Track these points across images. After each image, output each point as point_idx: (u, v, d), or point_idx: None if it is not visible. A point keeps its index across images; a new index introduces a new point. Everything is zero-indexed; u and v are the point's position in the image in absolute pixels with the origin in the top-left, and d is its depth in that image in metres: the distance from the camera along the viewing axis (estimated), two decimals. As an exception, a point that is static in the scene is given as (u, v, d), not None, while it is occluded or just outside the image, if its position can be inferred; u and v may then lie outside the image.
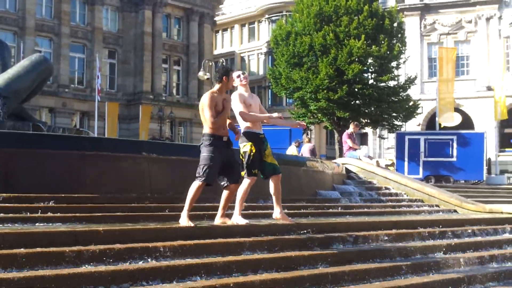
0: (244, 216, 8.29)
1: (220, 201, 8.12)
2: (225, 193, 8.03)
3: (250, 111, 8.27)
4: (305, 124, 8.95)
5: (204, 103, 7.84)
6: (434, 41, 48.87)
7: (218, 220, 8.08)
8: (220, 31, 67.66)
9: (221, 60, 41.22)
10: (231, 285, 6.06)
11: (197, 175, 7.70)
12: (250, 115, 8.22)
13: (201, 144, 7.89)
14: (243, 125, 8.28)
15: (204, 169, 7.65)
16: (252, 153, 8.12)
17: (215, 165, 7.70)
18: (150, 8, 51.81)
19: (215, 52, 62.85)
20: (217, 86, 8.01)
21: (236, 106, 8.22)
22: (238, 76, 8.37)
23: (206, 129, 7.86)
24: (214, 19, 59.21)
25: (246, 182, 8.20)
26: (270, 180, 8.36)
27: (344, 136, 19.65)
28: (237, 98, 8.25)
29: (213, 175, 7.72)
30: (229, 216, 8.22)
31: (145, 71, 50.96)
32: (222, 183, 7.98)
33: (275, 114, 8.43)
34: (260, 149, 8.21)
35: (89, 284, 5.47)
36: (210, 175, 7.67)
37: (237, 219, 8.08)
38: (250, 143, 8.15)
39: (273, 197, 8.44)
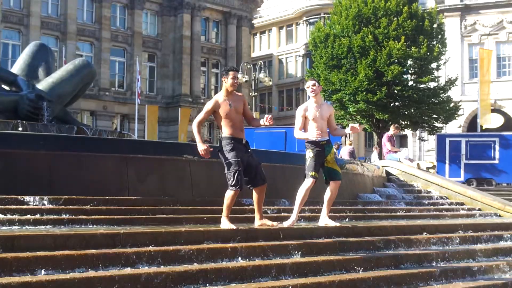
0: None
1: (254, 204, 8.14)
2: (255, 196, 8.02)
3: (312, 125, 8.46)
4: (357, 128, 8.94)
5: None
6: (475, 42, 48.11)
7: (257, 223, 8.10)
8: (258, 34, 67.81)
9: (259, 63, 41.26)
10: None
11: (229, 182, 7.65)
12: (297, 133, 8.56)
13: (221, 148, 7.82)
14: (300, 133, 8.56)
15: (235, 177, 7.59)
16: (309, 157, 8.36)
17: (241, 169, 7.68)
18: (188, 12, 52.22)
19: (253, 55, 63.00)
20: (222, 88, 8.06)
21: (296, 121, 8.55)
22: (308, 87, 8.62)
23: (225, 132, 7.83)
24: (252, 22, 59.34)
25: (305, 185, 8.39)
26: (329, 185, 8.58)
27: (384, 138, 19.52)
28: (298, 111, 8.57)
29: (242, 179, 7.71)
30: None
31: (183, 74, 51.37)
32: (249, 186, 7.98)
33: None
34: (320, 154, 8.38)
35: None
36: (240, 181, 7.64)
37: (292, 221, 8.33)
38: (310, 149, 8.39)
39: (325, 202, 8.66)
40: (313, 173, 8.30)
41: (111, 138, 14.91)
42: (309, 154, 8.37)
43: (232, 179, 7.60)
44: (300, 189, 8.38)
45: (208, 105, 7.88)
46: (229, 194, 7.69)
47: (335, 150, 9.09)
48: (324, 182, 8.58)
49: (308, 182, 8.32)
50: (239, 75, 36.47)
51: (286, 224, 8.21)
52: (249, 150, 7.95)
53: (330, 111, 8.77)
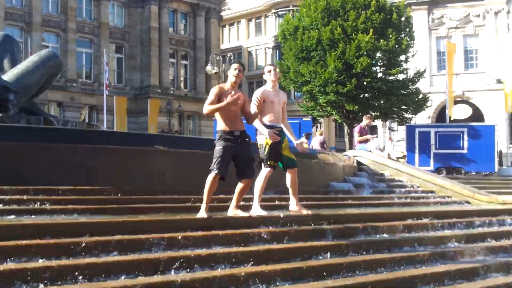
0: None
1: (235, 193, 8.11)
2: (238, 186, 8.03)
3: (272, 108, 8.30)
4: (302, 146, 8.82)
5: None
6: (443, 35, 48.68)
7: (231, 212, 8.06)
8: (227, 26, 67.62)
9: (228, 55, 41.18)
10: (242, 274, 6.06)
11: (210, 167, 7.74)
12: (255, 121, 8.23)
13: (215, 139, 7.93)
14: (256, 121, 8.27)
15: (215, 162, 7.70)
16: (267, 145, 8.16)
17: (226, 158, 7.72)
18: (156, 4, 51.81)
19: (222, 47, 62.81)
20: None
21: (252, 104, 8.24)
22: (269, 71, 8.49)
23: (218, 125, 7.90)
24: (221, 14, 59.14)
25: (262, 173, 8.25)
26: (287, 173, 8.44)
27: (356, 129, 19.59)
28: (256, 95, 8.27)
29: (224, 167, 7.73)
30: (245, 208, 8.22)
31: (152, 66, 51.00)
32: (237, 177, 7.98)
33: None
34: (277, 142, 8.20)
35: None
36: (221, 167, 7.68)
37: (256, 211, 8.12)
38: (265, 136, 8.16)
39: (290, 189, 8.54)
40: (271, 162, 8.23)
41: (81, 129, 14.73)
42: (266, 141, 8.16)
43: (213, 162, 7.71)
44: (258, 178, 8.24)
45: (211, 91, 7.91)
46: (209, 179, 7.73)
47: (303, 139, 8.94)
48: (283, 169, 8.45)
49: (265, 171, 8.24)
50: (209, 67, 36.39)
51: (244, 214, 8.09)
52: (246, 140, 7.90)
53: (285, 98, 8.67)
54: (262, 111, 8.29)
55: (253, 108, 8.20)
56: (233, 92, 7.82)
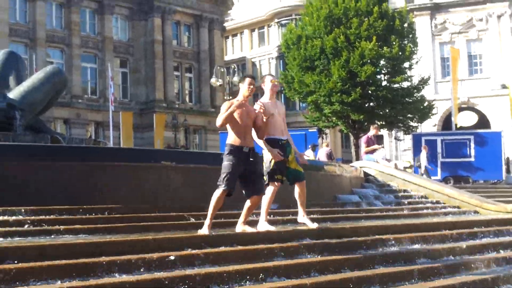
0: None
1: (243, 210, 8.08)
2: (247, 203, 8.00)
3: (274, 121, 8.17)
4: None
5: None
6: (446, 40, 48.57)
7: (239, 228, 8.03)
8: (230, 37, 67.77)
9: (232, 66, 41.19)
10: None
11: (218, 183, 7.69)
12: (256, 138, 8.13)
13: (223, 153, 7.88)
14: (259, 140, 8.18)
15: (224, 177, 7.64)
16: (272, 160, 8.10)
17: (235, 173, 7.67)
18: (159, 16, 51.95)
19: (226, 58, 62.92)
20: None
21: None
22: (271, 81, 8.40)
23: (228, 139, 7.85)
24: (224, 24, 59.26)
25: (270, 189, 8.19)
26: (295, 186, 8.40)
27: (363, 139, 19.51)
28: (257, 107, 8.17)
29: (233, 182, 7.68)
30: (252, 224, 8.18)
31: (157, 79, 51.08)
32: (244, 194, 7.94)
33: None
34: (283, 155, 8.15)
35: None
36: (230, 183, 7.64)
37: (263, 226, 8.08)
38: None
39: (298, 201, 8.50)
40: (278, 177, 8.16)
41: (87, 146, 14.74)
42: (270, 156, 8.10)
43: (221, 177, 7.66)
44: (265, 194, 8.13)
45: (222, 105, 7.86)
46: (216, 194, 7.69)
47: (297, 150, 8.81)
48: (290, 184, 8.41)
49: (272, 187, 8.17)
50: (213, 79, 36.41)
51: (252, 229, 8.05)
52: (251, 159, 7.82)
53: (284, 109, 8.65)
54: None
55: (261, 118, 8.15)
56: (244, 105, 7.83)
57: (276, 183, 8.18)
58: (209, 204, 7.74)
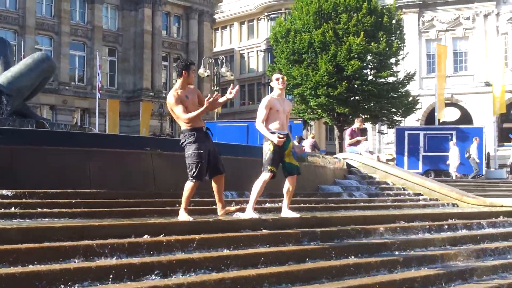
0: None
1: (214, 194, 8.17)
2: (214, 186, 8.07)
3: (277, 117, 8.41)
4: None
5: (169, 103, 7.80)
6: (433, 37, 48.94)
7: (220, 212, 8.17)
8: (219, 29, 67.72)
9: (221, 58, 41.31)
10: (228, 279, 6.10)
11: (189, 173, 7.68)
12: (260, 126, 8.38)
13: (184, 141, 7.79)
14: (262, 128, 8.38)
15: (196, 168, 7.62)
16: (269, 151, 8.28)
17: (204, 161, 7.69)
18: (149, 6, 51.88)
19: (215, 50, 62.93)
20: (178, 82, 7.94)
21: (259, 111, 8.41)
22: (277, 79, 8.54)
23: (184, 125, 7.80)
24: (213, 17, 59.25)
25: (262, 178, 8.33)
26: (287, 179, 8.54)
27: (347, 131, 19.70)
28: (264, 103, 8.41)
29: (204, 171, 7.73)
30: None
31: (145, 68, 51.07)
32: (208, 177, 7.98)
33: None
34: (281, 149, 8.34)
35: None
36: (202, 173, 7.68)
37: (249, 214, 8.19)
38: (270, 141, 8.28)
39: (285, 195, 8.63)
40: (271, 168, 8.29)
41: (73, 132, 14.81)
42: (268, 147, 8.28)
43: (194, 170, 7.63)
44: (256, 182, 8.34)
45: (173, 100, 7.74)
46: (189, 185, 7.73)
47: (295, 143, 9.06)
48: (284, 176, 8.56)
49: (265, 176, 8.30)
50: (201, 70, 36.48)
51: (235, 208, 8.21)
52: (210, 139, 7.95)
53: (290, 106, 8.82)
54: (268, 119, 8.40)
55: (260, 116, 8.35)
56: (186, 92, 7.91)
57: (269, 173, 8.32)
58: (183, 193, 7.78)
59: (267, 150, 8.29)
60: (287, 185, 8.53)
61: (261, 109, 8.40)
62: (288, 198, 8.62)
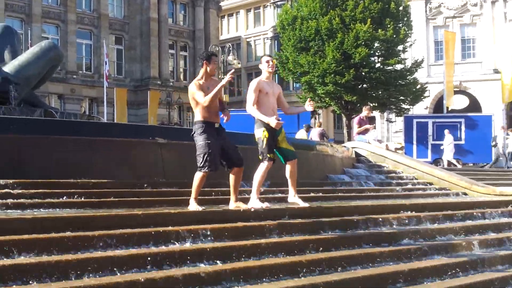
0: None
1: (230, 186, 8.18)
2: (231, 178, 8.09)
3: (267, 100, 8.34)
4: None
5: (192, 91, 7.90)
6: (440, 24, 48.56)
7: (232, 205, 8.14)
8: (226, 16, 67.50)
9: (227, 45, 41.20)
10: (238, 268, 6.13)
11: (198, 165, 7.74)
12: (252, 110, 8.27)
13: (194, 132, 7.90)
14: (255, 112, 8.28)
15: (204, 158, 7.68)
16: (265, 138, 8.20)
17: (214, 151, 7.73)
18: (155, -6, 51.70)
19: (221, 38, 62.74)
20: (200, 73, 8.06)
21: (249, 95, 8.31)
22: (267, 62, 8.48)
23: (198, 116, 7.90)
24: (220, 4, 59.04)
25: (262, 166, 8.28)
26: (287, 164, 8.48)
27: (356, 120, 19.59)
28: (253, 86, 8.31)
29: (214, 161, 7.75)
30: (245, 201, 8.31)
31: (152, 56, 50.95)
32: (226, 168, 8.05)
33: None
34: (274, 135, 8.28)
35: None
36: (212, 163, 7.70)
37: (254, 203, 8.16)
38: (263, 128, 8.21)
39: (289, 180, 8.57)
40: (271, 155, 8.24)
41: (82, 121, 14.81)
42: (264, 134, 8.19)
43: (201, 160, 7.69)
44: (257, 171, 8.29)
45: (195, 88, 7.86)
46: (197, 176, 7.78)
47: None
48: (284, 162, 8.50)
49: (266, 164, 8.25)
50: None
51: (246, 206, 8.11)
52: (223, 134, 7.99)
53: (280, 89, 8.75)
54: (258, 102, 8.31)
55: (250, 100, 8.28)
56: (208, 84, 7.97)
57: (268, 161, 8.27)
58: (192, 184, 7.84)
59: (263, 137, 8.21)
60: (289, 170, 8.48)
61: (250, 92, 8.30)
62: (293, 184, 8.58)
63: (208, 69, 7.98)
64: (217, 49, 41.22)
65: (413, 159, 19.71)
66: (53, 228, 5.99)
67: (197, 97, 7.81)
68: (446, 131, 29.13)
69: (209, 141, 7.68)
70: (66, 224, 6.17)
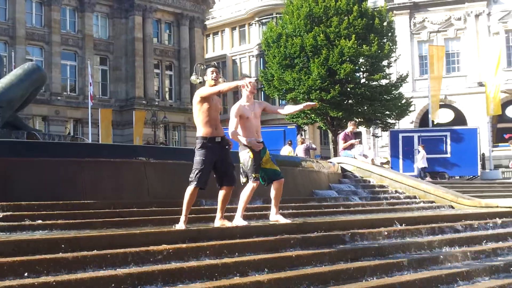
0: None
1: (218, 202, 8.16)
2: (220, 195, 8.08)
3: (249, 124, 8.29)
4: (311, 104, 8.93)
5: (195, 100, 8.02)
6: (424, 39, 49.04)
7: (217, 223, 8.11)
8: (211, 35, 67.70)
9: (213, 63, 41.20)
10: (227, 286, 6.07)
11: (189, 179, 7.80)
12: (234, 135, 8.17)
13: (195, 147, 7.99)
14: (236, 135, 8.22)
15: (196, 173, 7.75)
16: (250, 159, 8.20)
17: (206, 169, 7.78)
18: (140, 14, 51.80)
19: (207, 56, 62.88)
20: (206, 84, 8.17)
21: (231, 120, 8.21)
22: (250, 83, 8.34)
23: (199, 132, 7.95)
24: (205, 23, 59.23)
25: (249, 186, 8.29)
26: (273, 185, 8.47)
27: (341, 135, 19.69)
28: (233, 112, 8.22)
29: (204, 178, 7.78)
30: (230, 218, 8.28)
31: (137, 76, 50.94)
32: (217, 183, 8.06)
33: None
34: (258, 156, 8.28)
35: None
36: (201, 179, 7.75)
37: (238, 221, 8.15)
38: (247, 149, 8.21)
39: (272, 200, 8.58)
40: (256, 175, 8.23)
41: (65, 142, 14.72)
42: (248, 155, 8.18)
43: (192, 174, 7.77)
44: (244, 191, 8.29)
45: (197, 98, 7.99)
46: (188, 190, 7.82)
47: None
48: (266, 184, 8.46)
49: (252, 184, 8.25)
50: (193, 77, 36.36)
51: (231, 224, 8.06)
52: (226, 147, 8.01)
53: (261, 107, 8.63)
54: (241, 127, 8.27)
55: (232, 125, 8.18)
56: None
57: (254, 181, 8.26)
58: (183, 200, 7.86)
59: (248, 158, 8.21)
60: (274, 191, 8.49)
61: (231, 117, 8.20)
62: (276, 203, 8.59)
63: (208, 81, 8.11)
64: (203, 67, 41.16)
65: (399, 173, 19.80)
66: (35, 250, 5.92)
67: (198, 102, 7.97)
68: (420, 147, 29.50)
69: (203, 158, 7.75)
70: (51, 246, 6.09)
